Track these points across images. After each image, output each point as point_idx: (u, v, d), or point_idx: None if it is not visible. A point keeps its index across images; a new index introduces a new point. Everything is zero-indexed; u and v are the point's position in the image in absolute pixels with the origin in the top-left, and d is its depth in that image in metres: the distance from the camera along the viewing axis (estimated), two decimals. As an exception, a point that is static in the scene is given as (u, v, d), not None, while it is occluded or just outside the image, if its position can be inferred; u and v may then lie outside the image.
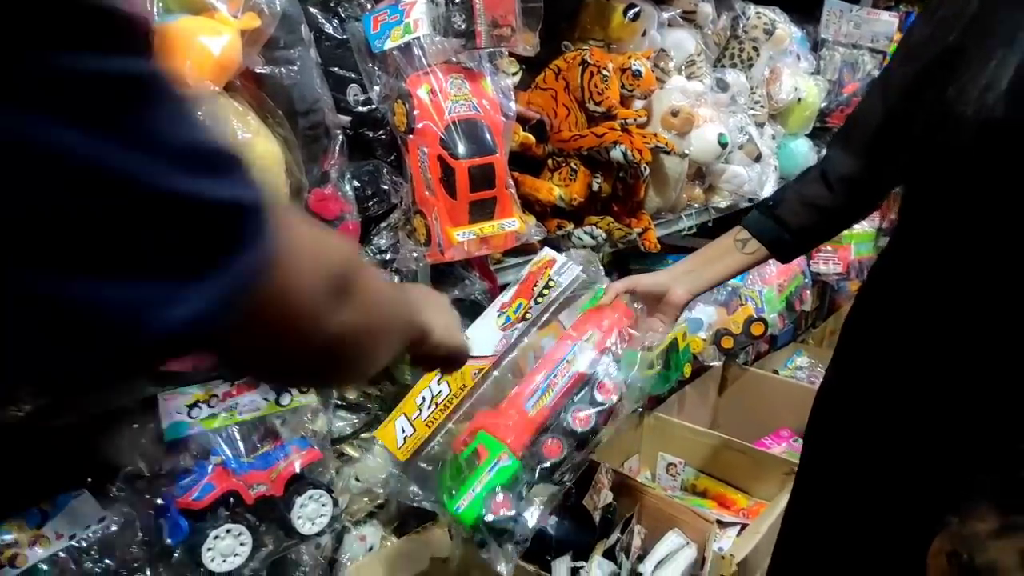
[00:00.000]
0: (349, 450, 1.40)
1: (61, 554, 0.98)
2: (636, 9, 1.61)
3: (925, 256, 0.95)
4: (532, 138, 1.51)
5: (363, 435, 1.43)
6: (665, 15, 1.76)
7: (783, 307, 2.29)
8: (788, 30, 2.09)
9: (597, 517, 1.56)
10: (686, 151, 1.78)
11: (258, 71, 0.94)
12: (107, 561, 1.03)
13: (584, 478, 1.70)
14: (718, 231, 2.30)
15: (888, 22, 2.41)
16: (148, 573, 1.06)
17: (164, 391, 1.03)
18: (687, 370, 2.06)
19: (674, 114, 1.75)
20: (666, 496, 1.68)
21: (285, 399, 1.17)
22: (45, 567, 0.97)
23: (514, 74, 1.44)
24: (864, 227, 2.67)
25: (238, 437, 1.15)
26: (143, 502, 1.06)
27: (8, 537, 0.93)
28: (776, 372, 2.48)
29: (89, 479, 1.06)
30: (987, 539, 0.68)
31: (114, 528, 1.05)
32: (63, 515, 0.99)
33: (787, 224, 1.10)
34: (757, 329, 2.14)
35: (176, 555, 1.07)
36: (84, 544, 1.01)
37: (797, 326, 2.64)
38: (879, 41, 2.38)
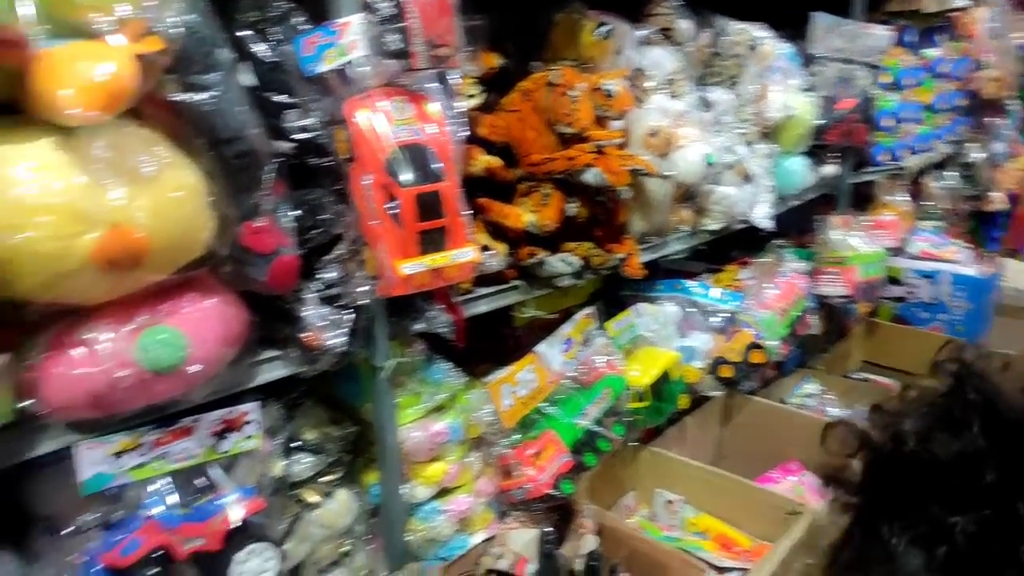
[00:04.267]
0: (307, 496, 1.32)
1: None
2: (607, 27, 1.56)
3: None
4: (499, 161, 1.45)
5: (324, 478, 1.35)
6: (641, 33, 1.69)
7: (786, 332, 2.19)
8: (773, 46, 2.01)
9: (580, 565, 1.46)
10: (668, 172, 1.70)
11: (171, 98, 0.89)
12: (25, 626, 0.96)
13: (565, 522, 1.60)
14: (712, 254, 2.25)
15: (881, 36, 2.34)
16: (71, 637, 0.99)
17: (85, 439, 0.96)
18: (683, 401, 1.96)
19: (653, 134, 1.68)
20: (655, 541, 1.57)
21: (225, 445, 1.10)
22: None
23: (471, 96, 1.38)
24: (871, 247, 2.56)
25: (174, 486, 1.08)
26: (64, 560, 0.99)
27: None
28: (783, 401, 2.36)
29: (13, 534, 0.99)
30: None
31: (35, 589, 0.98)
32: (-23, 577, 0.93)
33: None
34: (757, 357, 2.04)
35: (102, 617, 0.99)
36: (0, 608, 0.95)
37: (805, 351, 2.52)
38: (872, 56, 2.30)
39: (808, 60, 2.30)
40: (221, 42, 0.93)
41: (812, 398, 2.46)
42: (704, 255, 2.16)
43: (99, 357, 0.89)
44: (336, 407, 1.45)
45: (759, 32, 1.99)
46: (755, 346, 2.03)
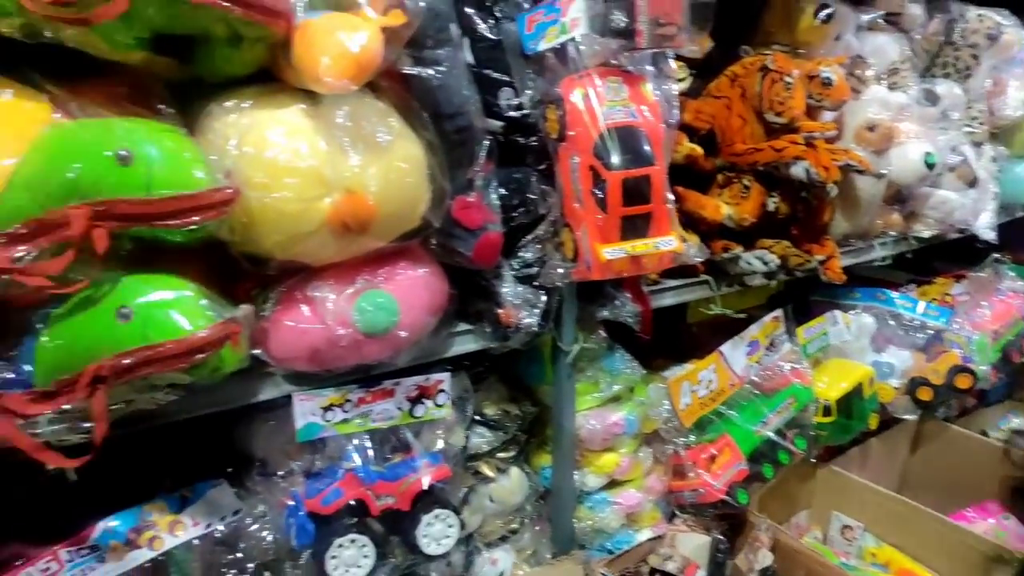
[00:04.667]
0: (485, 469, 1.34)
1: (195, 541, 1.00)
2: (829, 10, 1.44)
3: None
4: (700, 150, 1.39)
5: (499, 455, 1.37)
6: (865, 17, 1.55)
7: (997, 358, 1.94)
8: (1018, 35, 1.78)
9: (753, 580, 1.39)
10: (883, 171, 1.56)
11: (404, 71, 0.92)
12: (237, 554, 1.04)
13: (739, 533, 1.53)
14: (918, 263, 2.04)
15: None
16: (275, 572, 1.06)
17: (299, 391, 1.03)
18: (873, 421, 1.81)
19: (870, 128, 1.55)
20: (837, 567, 1.46)
21: (419, 410, 1.14)
22: (180, 552, 1.00)
23: (681, 80, 1.32)
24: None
25: (369, 445, 1.13)
26: (275, 500, 1.07)
27: (150, 518, 0.97)
28: (985, 433, 2.11)
29: (228, 470, 1.08)
30: None
31: (248, 521, 1.06)
32: (202, 503, 1.02)
33: None
34: (963, 382, 1.83)
35: (302, 559, 1.06)
36: (219, 535, 1.03)
37: (1014, 381, 2.24)
38: None
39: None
40: (453, 18, 0.95)
41: (1021, 436, 2.18)
42: (908, 263, 1.96)
43: (322, 315, 0.94)
44: (515, 386, 1.46)
45: (1002, 19, 1.76)
46: (962, 369, 1.82)
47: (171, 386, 0.81)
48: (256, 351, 0.95)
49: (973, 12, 1.79)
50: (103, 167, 0.69)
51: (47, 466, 0.78)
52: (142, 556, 0.94)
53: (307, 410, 1.04)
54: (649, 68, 1.12)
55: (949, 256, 2.14)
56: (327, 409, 1.06)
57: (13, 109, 0.72)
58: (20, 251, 0.70)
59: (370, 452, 1.12)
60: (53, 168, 0.69)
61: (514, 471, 1.39)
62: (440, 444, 1.20)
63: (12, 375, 0.77)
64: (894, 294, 1.85)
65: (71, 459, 0.78)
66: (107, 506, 0.95)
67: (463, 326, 1.19)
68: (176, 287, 0.77)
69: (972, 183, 1.77)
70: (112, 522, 0.93)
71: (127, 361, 0.72)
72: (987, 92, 1.81)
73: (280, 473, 1.09)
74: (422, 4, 0.85)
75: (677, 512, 1.54)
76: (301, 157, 0.82)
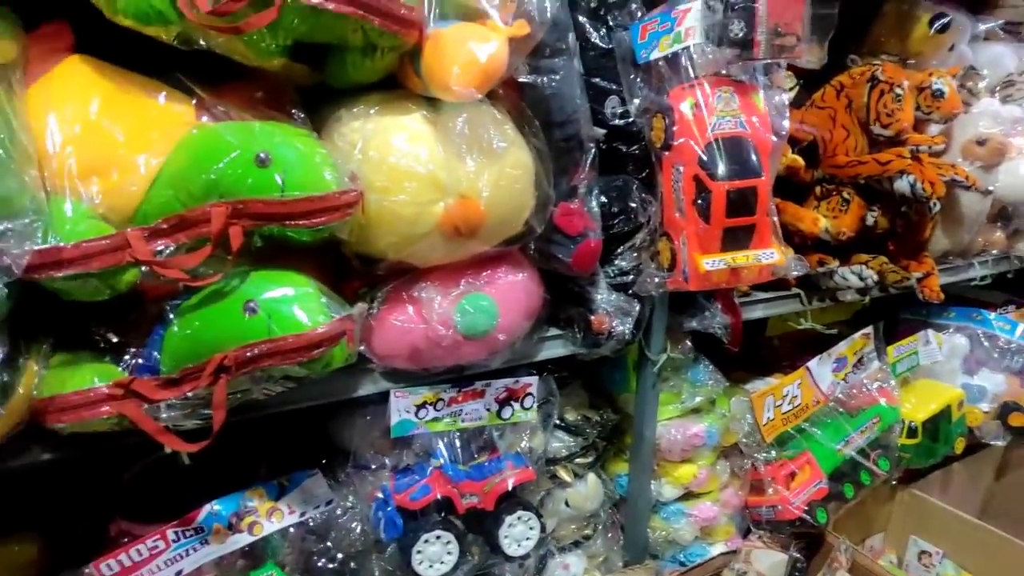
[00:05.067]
0: (562, 473, 1.34)
1: (291, 529, 1.03)
2: (946, 19, 1.38)
3: None
4: (801, 161, 1.35)
5: (578, 460, 1.37)
6: (982, 27, 1.49)
7: (1098, 386, 1.85)
8: None
9: (831, 601, 1.35)
10: (990, 187, 1.49)
11: (521, 80, 0.92)
12: (327, 543, 1.07)
13: (815, 552, 1.49)
14: (1018, 284, 1.94)
15: None
16: (361, 563, 1.09)
17: (397, 387, 1.05)
18: (959, 445, 1.74)
19: (980, 143, 1.48)
20: (920, 593, 1.41)
21: (507, 412, 1.15)
22: (275, 539, 1.03)
23: (790, 89, 1.29)
24: None
25: (458, 444, 1.14)
26: (366, 492, 1.09)
27: (251, 504, 1.00)
28: (1077, 464, 2.01)
29: (323, 460, 1.11)
30: None
31: (339, 512, 1.09)
32: (298, 492, 1.04)
33: None
34: (1060, 410, 1.74)
35: (388, 551, 1.08)
36: (312, 523, 1.06)
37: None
38: None
39: None
40: (571, 27, 0.94)
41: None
42: (1008, 283, 1.88)
43: (426, 315, 0.96)
44: (597, 392, 1.46)
45: None
46: (1059, 397, 1.74)
47: (285, 378, 0.83)
48: (360, 348, 0.97)
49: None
50: (243, 168, 0.71)
51: (164, 449, 0.81)
52: (242, 540, 0.97)
53: (403, 407, 1.06)
54: (761, 78, 1.10)
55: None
56: (420, 407, 1.08)
57: (164, 112, 0.75)
58: (160, 244, 0.73)
59: (458, 450, 1.14)
60: (196, 168, 0.72)
61: (591, 477, 1.38)
62: (524, 446, 1.21)
63: (142, 361, 0.80)
64: (991, 315, 1.77)
65: (188, 443, 0.81)
66: (208, 490, 0.99)
67: (554, 331, 1.19)
68: (298, 284, 0.79)
69: (1084, 203, 1.67)
70: (216, 506, 0.96)
71: (251, 353, 0.75)
72: None
73: (372, 467, 1.11)
74: (548, 15, 0.85)
75: (753, 528, 1.52)
76: (420, 162, 0.83)
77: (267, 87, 0.81)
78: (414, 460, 1.14)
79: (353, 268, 0.96)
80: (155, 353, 0.80)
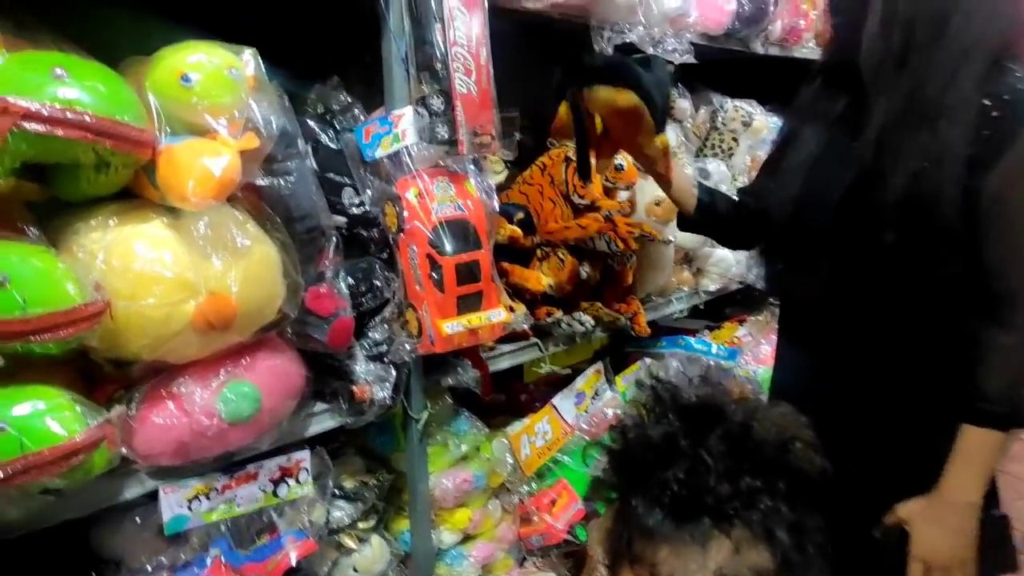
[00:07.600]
0: (347, 541, 1.41)
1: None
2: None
3: None
4: (519, 231, 1.59)
5: (360, 525, 1.45)
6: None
7: (780, 386, 2.31)
8: (765, 120, 2.20)
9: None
10: (670, 238, 1.85)
11: (258, 183, 1.03)
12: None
13: (582, 567, 1.69)
14: (708, 314, 2.38)
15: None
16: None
17: (165, 483, 1.06)
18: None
19: (657, 203, 1.84)
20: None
21: (283, 491, 1.20)
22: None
23: (498, 173, 1.53)
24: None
25: (236, 530, 1.17)
26: (141, 599, 1.08)
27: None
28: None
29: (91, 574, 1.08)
30: None
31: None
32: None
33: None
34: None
35: (172, 652, 1.08)
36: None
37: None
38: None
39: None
40: (300, 134, 1.07)
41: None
42: (701, 313, 2.30)
43: (188, 409, 1.00)
44: (370, 456, 1.55)
45: (752, 108, 2.18)
46: (752, 398, 2.15)
47: (44, 491, 0.83)
48: (122, 451, 0.98)
49: (730, 103, 2.19)
50: (-22, 293, 0.73)
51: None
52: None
53: (174, 502, 1.07)
54: (471, 167, 1.31)
55: (743, 304, 2.51)
56: (192, 499, 1.10)
57: None
58: None
59: (236, 536, 1.17)
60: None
61: (375, 539, 1.46)
62: (304, 520, 1.26)
63: None
64: (692, 339, 2.16)
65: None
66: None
67: (320, 405, 1.28)
68: (49, 396, 0.81)
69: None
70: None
71: (5, 473, 0.75)
72: (748, 168, 2.21)
73: (149, 569, 1.10)
74: (275, 128, 0.97)
75: (527, 556, 1.69)
76: (166, 266, 0.90)
77: (-5, 207, 0.83)
78: (193, 554, 1.14)
79: (105, 373, 0.98)
80: None
